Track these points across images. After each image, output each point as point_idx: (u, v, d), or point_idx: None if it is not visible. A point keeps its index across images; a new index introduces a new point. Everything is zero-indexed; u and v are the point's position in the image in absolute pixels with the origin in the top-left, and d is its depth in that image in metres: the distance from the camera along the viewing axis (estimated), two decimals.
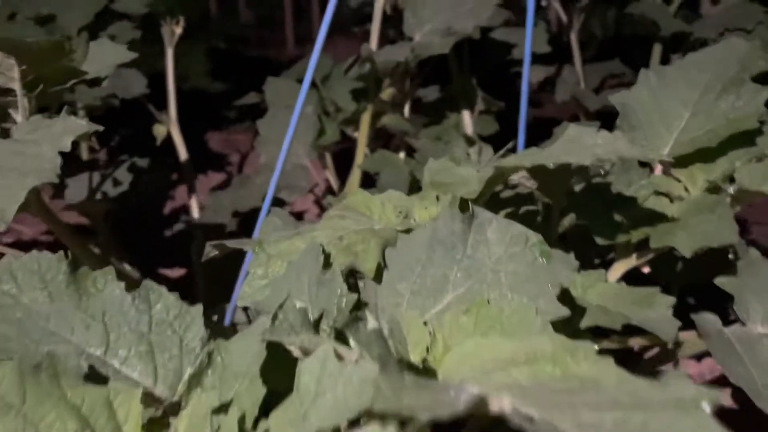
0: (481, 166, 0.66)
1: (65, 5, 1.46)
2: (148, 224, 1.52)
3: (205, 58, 2.45)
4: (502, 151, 0.69)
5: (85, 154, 1.46)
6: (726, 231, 0.52)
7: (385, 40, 1.51)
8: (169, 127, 1.48)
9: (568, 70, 1.48)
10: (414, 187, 1.24)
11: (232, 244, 0.60)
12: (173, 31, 1.44)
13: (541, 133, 1.75)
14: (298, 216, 1.53)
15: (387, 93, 1.25)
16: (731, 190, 0.57)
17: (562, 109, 1.76)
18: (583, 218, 0.61)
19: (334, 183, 1.35)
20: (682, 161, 0.63)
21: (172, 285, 0.47)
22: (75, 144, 1.53)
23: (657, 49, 1.48)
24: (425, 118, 1.52)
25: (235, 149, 2.01)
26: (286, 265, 0.52)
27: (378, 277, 0.51)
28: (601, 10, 1.55)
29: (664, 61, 1.47)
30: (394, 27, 1.41)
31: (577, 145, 0.49)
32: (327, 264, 0.51)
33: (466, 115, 1.33)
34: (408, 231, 0.57)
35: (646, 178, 0.63)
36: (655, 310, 0.55)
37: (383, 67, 1.06)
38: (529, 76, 1.08)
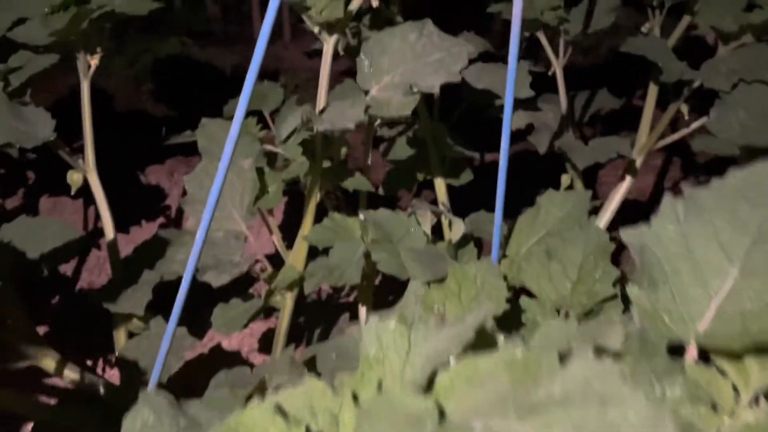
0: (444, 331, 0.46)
1: None
2: (66, 298, 1.30)
3: (151, 74, 2.21)
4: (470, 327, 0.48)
5: None
6: None
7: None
8: (86, 173, 1.25)
9: (552, 113, 1.28)
10: (369, 273, 1.03)
11: None
12: (89, 63, 1.21)
13: (526, 174, 1.55)
14: (241, 291, 1.29)
15: (340, 151, 1.04)
16: None
17: None
18: None
19: (283, 251, 1.12)
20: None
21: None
22: None
23: (653, 91, 1.29)
24: (390, 165, 1.31)
25: (179, 183, 1.78)
26: None
27: None
28: (592, 43, 1.36)
29: (662, 104, 1.29)
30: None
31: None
32: None
33: (439, 182, 1.13)
34: None
35: (679, 372, 0.44)
36: None
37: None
38: (510, 127, 0.89)
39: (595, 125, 1.68)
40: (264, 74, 2.35)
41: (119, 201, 1.64)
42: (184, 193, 1.15)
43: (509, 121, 0.83)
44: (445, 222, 1.07)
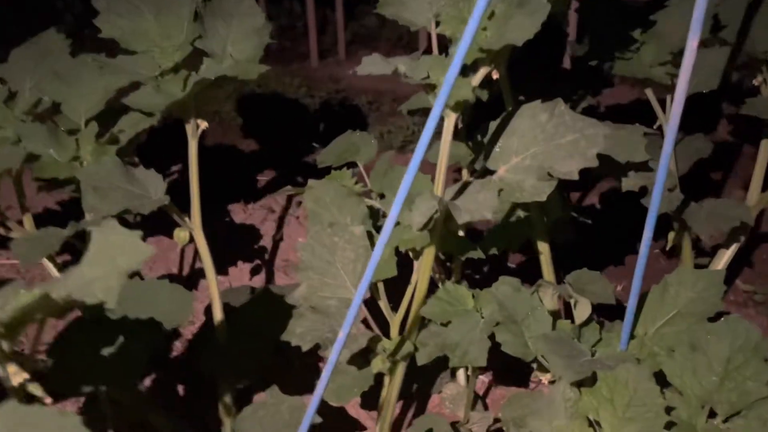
0: None
1: (70, 91, 1.25)
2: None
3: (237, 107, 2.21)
4: None
5: None
6: None
7: None
8: (192, 232, 1.26)
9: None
10: None
11: None
12: (198, 124, 1.22)
13: (617, 216, 1.47)
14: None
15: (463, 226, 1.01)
16: None
17: None
18: None
19: (390, 316, 1.08)
20: None
21: None
22: None
23: (766, 148, 1.24)
24: None
25: (269, 223, 1.76)
26: None
27: None
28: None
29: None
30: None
31: None
32: None
33: (543, 246, 1.10)
34: None
35: None
36: None
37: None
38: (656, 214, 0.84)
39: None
40: (321, 93, 2.32)
41: (214, 237, 1.63)
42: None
43: (656, 209, 0.80)
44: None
